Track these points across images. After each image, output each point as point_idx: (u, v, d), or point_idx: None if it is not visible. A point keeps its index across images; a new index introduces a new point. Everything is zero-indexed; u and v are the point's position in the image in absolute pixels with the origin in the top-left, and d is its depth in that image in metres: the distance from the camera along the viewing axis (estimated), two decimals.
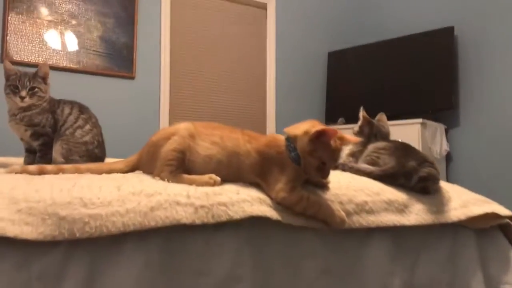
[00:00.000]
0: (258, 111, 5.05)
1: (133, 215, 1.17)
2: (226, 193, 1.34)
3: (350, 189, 1.54)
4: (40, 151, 2.07)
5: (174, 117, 4.51)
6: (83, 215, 1.12)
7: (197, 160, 1.43)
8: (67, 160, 2.05)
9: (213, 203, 1.30)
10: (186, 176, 1.40)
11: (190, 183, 1.38)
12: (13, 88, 2.03)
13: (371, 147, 2.00)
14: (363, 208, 1.50)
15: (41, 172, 1.40)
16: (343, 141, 1.40)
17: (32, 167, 1.39)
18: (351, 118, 4.74)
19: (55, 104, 2.14)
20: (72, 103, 2.19)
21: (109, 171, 1.50)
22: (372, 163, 1.87)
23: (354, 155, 2.08)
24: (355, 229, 1.48)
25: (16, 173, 1.38)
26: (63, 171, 1.42)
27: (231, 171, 1.45)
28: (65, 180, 1.27)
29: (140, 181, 1.34)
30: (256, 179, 1.44)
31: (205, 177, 1.39)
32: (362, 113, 2.19)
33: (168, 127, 1.54)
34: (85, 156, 2.10)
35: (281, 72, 5.27)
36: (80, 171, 1.45)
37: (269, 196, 1.40)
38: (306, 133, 1.39)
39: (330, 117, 5.25)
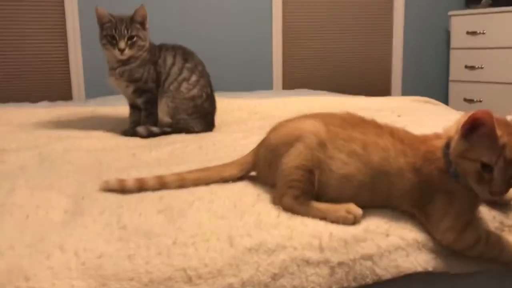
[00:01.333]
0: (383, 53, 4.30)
1: None
2: (371, 237, 0.99)
3: None
4: (145, 110, 1.83)
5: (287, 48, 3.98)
6: None
7: (330, 181, 1.07)
8: (174, 119, 1.80)
9: (355, 257, 0.96)
10: (316, 205, 1.06)
11: (322, 215, 1.04)
12: (110, 38, 1.74)
13: None
14: None
15: (140, 188, 1.15)
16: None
17: (131, 183, 1.14)
18: None
19: (155, 53, 1.83)
20: (175, 49, 1.86)
21: (220, 179, 1.20)
22: None
23: None
24: None
25: (110, 190, 1.15)
26: (165, 186, 1.16)
27: (376, 197, 1.07)
28: (165, 219, 1.00)
29: (257, 214, 1.03)
30: (411, 209, 1.06)
31: (342, 210, 1.03)
32: None
33: (290, 123, 1.16)
34: (194, 113, 1.84)
35: None
36: (185, 183, 1.18)
37: (429, 233, 1.03)
38: (458, 130, 1.00)
39: None
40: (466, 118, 0.97)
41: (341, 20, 4.05)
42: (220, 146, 1.63)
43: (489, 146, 0.94)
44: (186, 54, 1.86)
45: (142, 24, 1.78)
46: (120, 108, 2.09)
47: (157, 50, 1.85)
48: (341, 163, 1.07)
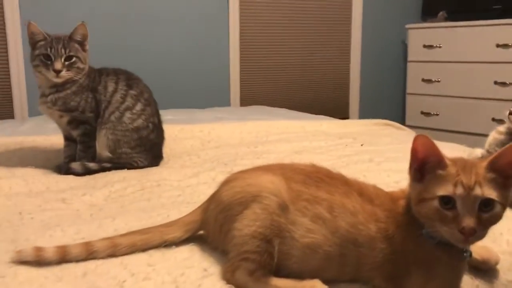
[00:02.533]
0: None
1: None
2: None
3: None
4: (82, 143, 1.61)
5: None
6: None
7: (292, 251, 0.90)
8: (115, 154, 1.59)
9: None
10: (275, 282, 0.89)
11: None
12: (43, 58, 1.51)
13: None
14: None
15: (62, 259, 0.94)
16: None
17: (51, 253, 0.93)
18: (456, 12, 3.88)
19: (95, 78, 1.62)
20: (117, 73, 1.65)
21: (161, 243, 1.01)
22: None
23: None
24: None
25: (24, 260, 0.93)
26: (93, 254, 0.96)
27: (345, 269, 0.91)
28: None
29: None
30: (384, 283, 0.90)
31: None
32: None
33: (246, 176, 0.99)
34: (138, 146, 1.63)
35: None
36: (117, 251, 0.98)
37: None
38: None
39: (428, 10, 4.23)
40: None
41: (299, 34, 3.93)
42: (166, 186, 1.44)
43: (441, 176, 0.83)
44: (130, 80, 1.65)
45: (82, 44, 1.56)
46: (56, 136, 1.85)
47: (96, 75, 1.63)
48: (305, 230, 0.90)
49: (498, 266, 1.01)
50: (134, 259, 0.96)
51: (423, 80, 3.93)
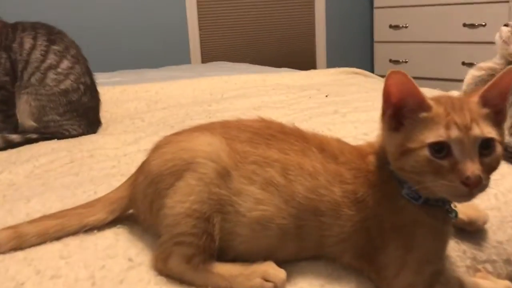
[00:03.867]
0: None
1: None
2: None
3: None
4: (0, 112, 1.36)
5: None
6: None
7: (237, 229, 0.72)
8: (41, 123, 1.37)
9: None
10: (219, 269, 0.71)
11: (227, 285, 0.69)
12: None
13: None
14: None
15: None
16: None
17: None
18: None
19: (8, 35, 1.36)
20: (36, 28, 1.40)
21: (81, 228, 0.81)
22: None
23: None
24: None
25: None
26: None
27: (305, 246, 0.73)
28: None
29: None
30: (355, 261, 0.73)
31: (256, 275, 0.69)
32: None
33: (180, 139, 0.78)
34: (68, 112, 1.40)
35: None
36: (23, 242, 0.77)
37: None
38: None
39: None
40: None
41: None
42: (100, 157, 1.22)
43: (427, 119, 0.67)
44: (52, 34, 1.40)
45: None
46: None
47: (10, 31, 1.38)
48: (253, 201, 0.71)
49: (487, 226, 0.85)
50: (43, 252, 0.76)
51: (391, 26, 3.75)
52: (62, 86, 1.38)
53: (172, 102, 1.72)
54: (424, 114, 0.67)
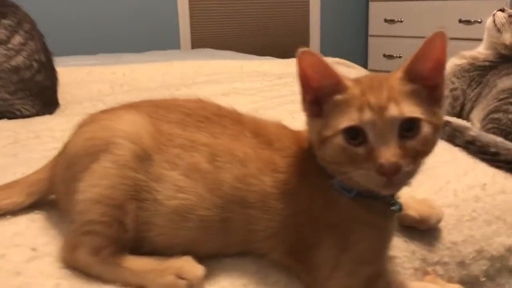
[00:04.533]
0: None
1: None
2: None
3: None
4: None
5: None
6: None
7: (154, 219, 0.64)
8: None
9: None
10: (131, 263, 0.63)
11: (139, 282, 0.62)
12: None
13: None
14: None
15: None
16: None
17: None
18: None
19: None
20: None
21: None
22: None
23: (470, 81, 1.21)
24: None
25: None
26: None
27: (231, 240, 0.66)
28: None
29: None
30: (285, 258, 0.66)
31: (170, 272, 0.62)
32: None
33: (104, 116, 0.71)
34: (20, 90, 1.32)
35: None
36: None
37: None
38: None
39: None
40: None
41: None
42: (46, 138, 1.15)
43: (341, 102, 0.60)
44: (2, 7, 1.32)
45: None
46: None
47: None
48: (173, 189, 0.64)
49: (441, 224, 0.78)
50: None
51: (386, 20, 3.67)
52: (13, 63, 1.30)
53: (138, 85, 1.64)
54: (339, 97, 0.60)
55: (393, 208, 0.66)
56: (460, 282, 0.75)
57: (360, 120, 0.57)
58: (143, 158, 0.64)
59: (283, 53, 3.46)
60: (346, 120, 0.58)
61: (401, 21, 3.58)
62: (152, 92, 1.56)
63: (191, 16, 3.47)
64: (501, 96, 1.06)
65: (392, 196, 0.66)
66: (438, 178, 0.87)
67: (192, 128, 0.68)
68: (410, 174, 0.59)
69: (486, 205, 0.83)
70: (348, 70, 2.11)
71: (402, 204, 0.69)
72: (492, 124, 1.03)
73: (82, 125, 0.73)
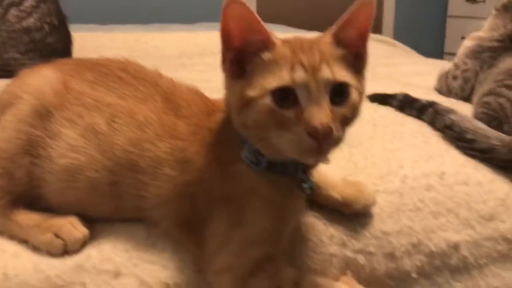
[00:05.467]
0: None
1: None
2: (84, 278, 0.58)
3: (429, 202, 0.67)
4: None
5: None
6: None
7: (46, 176, 0.64)
8: (1, 60, 1.35)
9: None
10: (20, 218, 0.64)
11: (23, 236, 0.63)
12: None
13: None
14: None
15: None
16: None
17: None
18: None
19: None
20: None
21: None
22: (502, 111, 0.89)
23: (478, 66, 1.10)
24: None
25: None
26: None
27: (119, 205, 0.64)
28: None
29: None
30: (174, 230, 0.63)
31: (50, 229, 0.61)
32: None
33: (26, 73, 0.71)
34: (30, 51, 1.37)
35: None
36: None
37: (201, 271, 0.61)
38: None
39: None
40: None
41: None
42: None
43: (270, 61, 0.55)
44: None
45: None
46: None
47: None
48: (66, 147, 0.63)
49: (376, 211, 0.70)
50: None
51: (467, 0, 3.36)
52: (24, 24, 1.35)
53: (155, 54, 1.66)
54: (267, 55, 0.55)
55: (304, 186, 0.61)
56: (387, 275, 0.68)
57: (292, 80, 0.53)
58: (43, 114, 0.64)
59: None
60: (276, 80, 0.54)
61: (484, 1, 3.27)
62: (162, 60, 1.57)
63: None
64: (498, 78, 0.93)
65: (305, 172, 0.61)
66: (391, 162, 0.79)
67: (102, 88, 0.67)
68: (339, 140, 0.55)
69: (438, 195, 0.74)
70: (391, 49, 1.98)
71: (314, 183, 0.64)
72: (482, 109, 0.91)
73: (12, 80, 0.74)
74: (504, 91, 0.88)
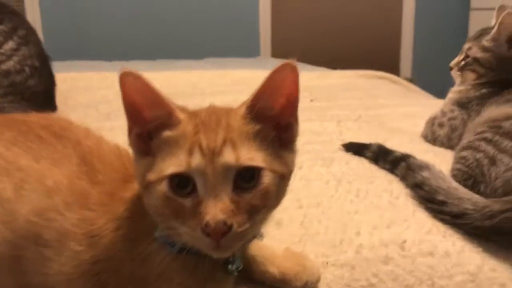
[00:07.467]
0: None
1: None
2: None
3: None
4: None
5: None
6: None
7: None
8: None
9: None
10: None
11: None
12: None
13: (495, 112, 0.90)
14: None
15: None
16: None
17: None
18: None
19: None
20: None
21: None
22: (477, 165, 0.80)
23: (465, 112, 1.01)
24: None
25: None
26: None
27: (21, 280, 0.58)
28: None
29: None
30: None
31: None
32: (503, 13, 1.00)
33: None
34: (10, 94, 1.35)
35: None
36: None
37: None
38: None
39: None
40: None
41: None
42: None
43: (171, 140, 0.50)
44: (1, 13, 1.37)
45: None
46: None
47: None
48: None
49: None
50: None
51: None
52: (4, 67, 1.34)
53: None
54: (169, 133, 0.50)
55: (229, 267, 0.54)
56: None
57: (188, 166, 0.47)
58: None
59: (371, 63, 3.00)
60: (173, 165, 0.48)
61: None
62: None
63: (273, 22, 3.44)
64: (479, 129, 0.84)
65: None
66: (347, 227, 0.70)
67: (18, 148, 0.62)
68: (244, 235, 0.48)
69: (397, 269, 0.65)
70: (391, 88, 1.90)
71: (250, 257, 0.57)
72: (458, 164, 0.82)
73: None
74: (483, 145, 0.79)
